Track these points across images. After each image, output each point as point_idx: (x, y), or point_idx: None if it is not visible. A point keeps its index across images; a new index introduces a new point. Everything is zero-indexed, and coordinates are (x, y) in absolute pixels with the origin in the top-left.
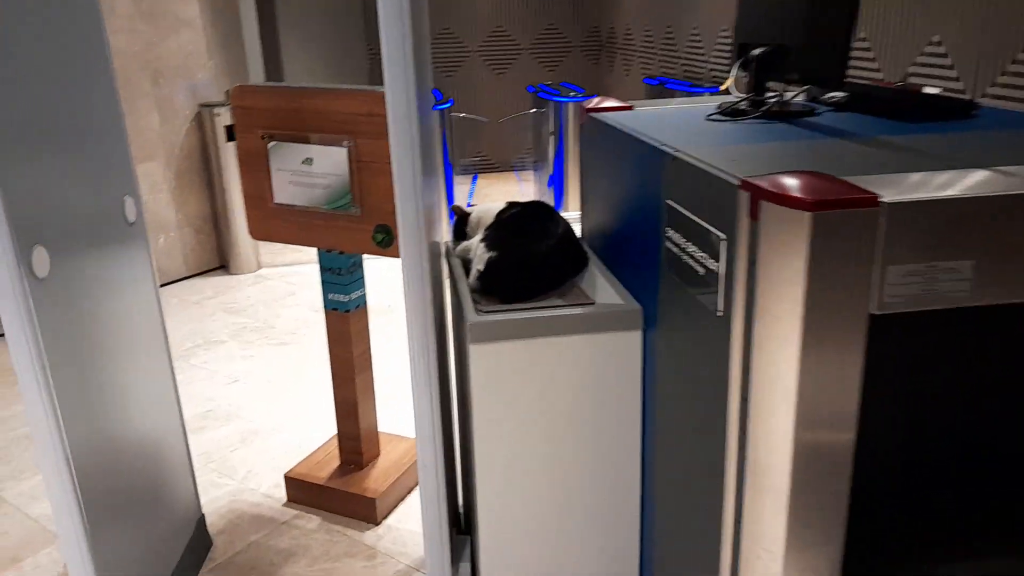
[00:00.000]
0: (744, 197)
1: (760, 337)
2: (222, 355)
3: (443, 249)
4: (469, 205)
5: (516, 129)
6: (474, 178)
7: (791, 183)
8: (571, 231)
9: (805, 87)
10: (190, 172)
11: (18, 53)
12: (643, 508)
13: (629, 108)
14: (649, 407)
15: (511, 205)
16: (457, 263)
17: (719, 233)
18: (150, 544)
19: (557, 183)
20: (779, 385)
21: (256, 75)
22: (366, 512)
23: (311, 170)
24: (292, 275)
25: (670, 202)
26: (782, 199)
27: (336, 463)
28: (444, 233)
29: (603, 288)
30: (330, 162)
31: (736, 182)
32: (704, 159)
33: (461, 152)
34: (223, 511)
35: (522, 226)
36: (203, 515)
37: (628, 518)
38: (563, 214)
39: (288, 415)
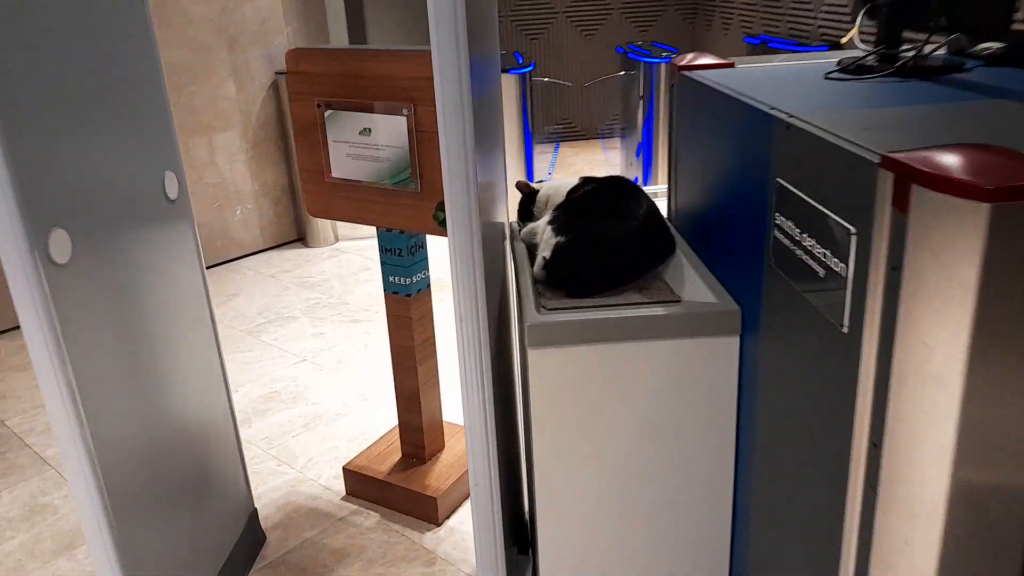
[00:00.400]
0: (886, 179)
1: (902, 368)
2: (293, 332)
3: (508, 230)
4: (549, 176)
5: (603, 94)
6: (556, 147)
7: (955, 160)
8: (656, 211)
9: (951, 37)
10: (267, 142)
11: (40, 13)
12: (733, 548)
13: (730, 65)
14: (745, 427)
15: (585, 181)
16: (521, 248)
17: (848, 225)
18: (194, 540)
19: (646, 152)
20: (927, 435)
21: (339, 40)
22: (427, 511)
23: (369, 141)
24: (369, 249)
25: (781, 181)
26: (944, 183)
27: (397, 455)
28: (511, 212)
29: (693, 282)
30: (389, 132)
31: (874, 158)
32: (828, 127)
33: (544, 119)
34: (280, 503)
35: (597, 206)
36: (256, 509)
37: (716, 561)
38: (651, 188)
39: (354, 398)
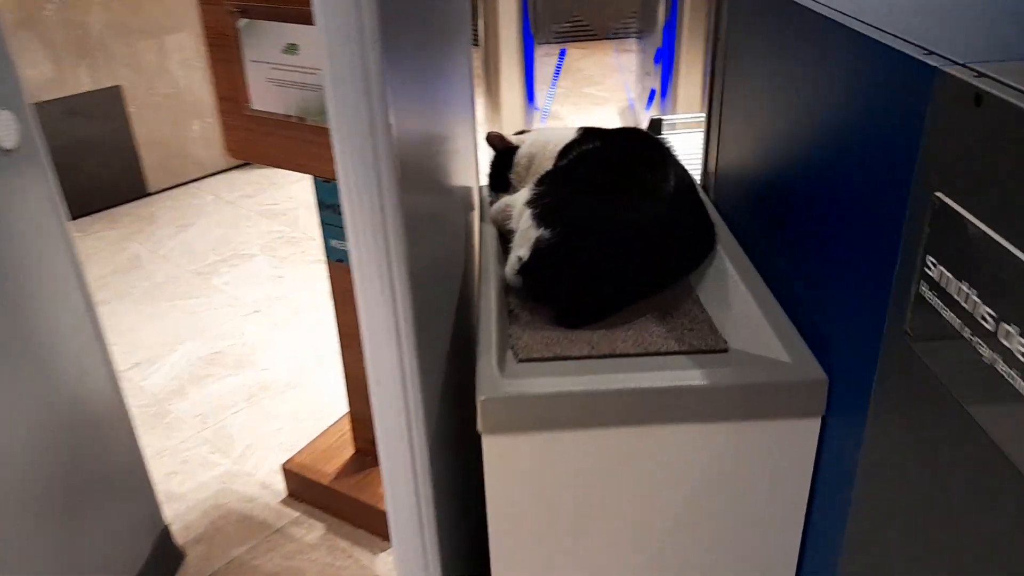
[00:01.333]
0: None
1: None
2: (248, 274)
3: (477, 198)
4: (552, 87)
5: None
6: (561, 53)
7: None
8: (690, 184)
9: None
10: None
11: None
12: None
13: None
14: (815, 551)
15: (586, 135)
16: (491, 234)
17: None
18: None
19: (666, 60)
20: None
21: None
22: (380, 527)
23: (296, 62)
24: None
25: (946, 199)
26: None
27: (349, 450)
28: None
29: (744, 309)
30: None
31: None
32: None
33: (550, 17)
34: (207, 505)
35: (602, 177)
36: (167, 526)
37: None
38: (669, 117)
39: (309, 363)
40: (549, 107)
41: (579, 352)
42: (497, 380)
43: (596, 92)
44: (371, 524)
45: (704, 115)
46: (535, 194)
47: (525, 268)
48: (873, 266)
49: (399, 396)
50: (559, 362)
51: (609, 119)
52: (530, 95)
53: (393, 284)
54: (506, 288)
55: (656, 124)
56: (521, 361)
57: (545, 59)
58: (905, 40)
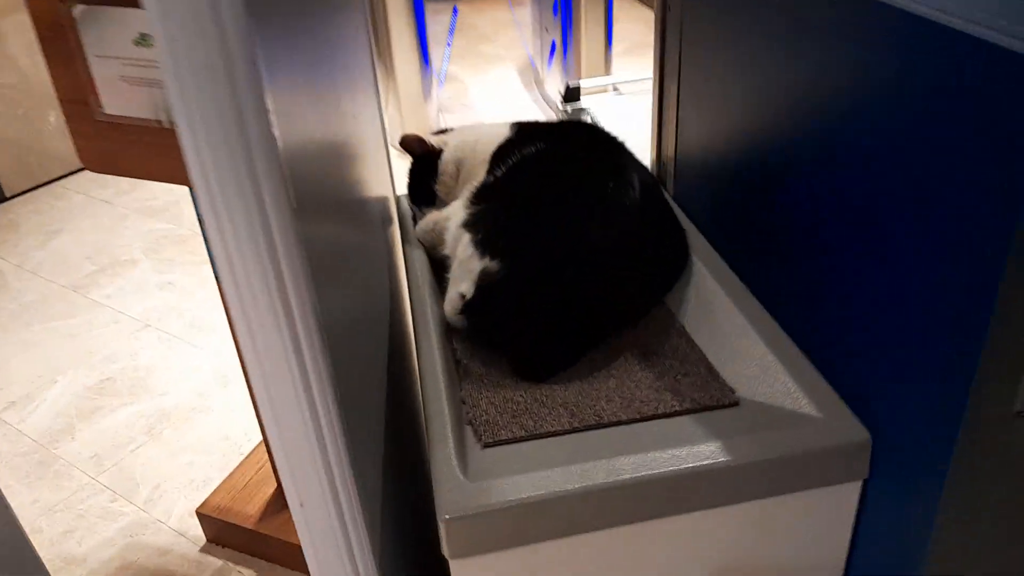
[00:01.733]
0: None
1: None
2: (132, 284)
3: (398, 211)
4: (447, 50)
5: None
6: (454, 11)
7: None
8: (655, 187)
9: None
10: None
11: None
12: None
13: None
14: None
15: (520, 131)
16: (420, 260)
17: None
18: None
19: (565, 11)
20: None
21: None
22: None
23: (152, 55)
24: None
25: None
26: None
27: (270, 485)
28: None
29: (744, 342)
30: None
31: None
32: None
33: None
34: (114, 567)
35: (552, 188)
36: None
37: None
38: (582, 82)
39: (212, 383)
40: (446, 69)
41: (557, 424)
42: (462, 488)
43: (492, 50)
44: (305, 565)
45: (614, 80)
46: (473, 214)
47: (469, 307)
48: (947, 309)
49: (332, 518)
50: (535, 442)
51: (508, 77)
52: (424, 56)
53: (300, 349)
54: (448, 328)
55: (574, 92)
56: (486, 446)
57: (436, 17)
58: (989, 28)
